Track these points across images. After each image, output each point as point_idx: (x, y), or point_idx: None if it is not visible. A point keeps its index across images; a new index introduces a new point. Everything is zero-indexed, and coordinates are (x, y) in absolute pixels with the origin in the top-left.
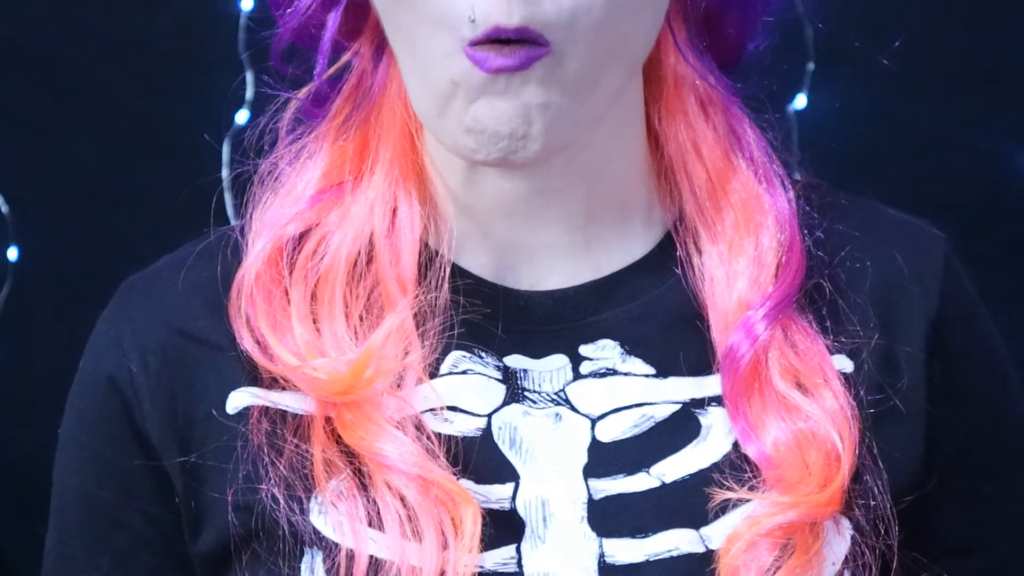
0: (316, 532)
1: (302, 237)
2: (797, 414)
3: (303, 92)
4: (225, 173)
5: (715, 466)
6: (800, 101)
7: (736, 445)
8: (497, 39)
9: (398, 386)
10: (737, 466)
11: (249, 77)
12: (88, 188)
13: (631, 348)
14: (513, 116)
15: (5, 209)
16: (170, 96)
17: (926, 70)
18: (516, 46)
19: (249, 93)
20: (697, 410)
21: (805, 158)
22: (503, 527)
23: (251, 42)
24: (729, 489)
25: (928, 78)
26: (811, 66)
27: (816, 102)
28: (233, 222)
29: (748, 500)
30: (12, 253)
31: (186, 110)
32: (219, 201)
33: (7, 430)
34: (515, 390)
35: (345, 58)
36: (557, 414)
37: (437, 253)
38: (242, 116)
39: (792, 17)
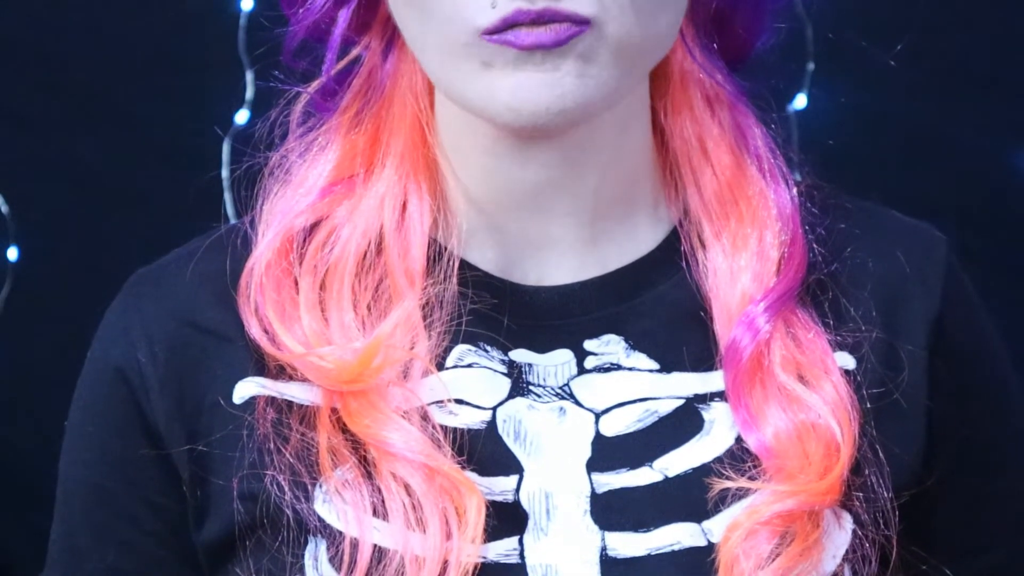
0: (320, 520)
1: (312, 229)
2: (798, 405)
3: (313, 86)
4: (225, 173)
5: (718, 460)
6: (800, 101)
7: (739, 439)
8: (516, 24)
9: (404, 378)
10: (739, 460)
11: (249, 77)
12: (88, 188)
13: (635, 343)
14: (551, 89)
15: (5, 209)
16: (170, 96)
17: (926, 70)
18: (552, 23)
19: (249, 93)
20: (700, 405)
21: (805, 158)
22: (506, 519)
23: (251, 42)
24: (730, 482)
25: (928, 78)
26: (811, 66)
27: (816, 102)
28: (233, 222)
29: (750, 492)
30: (12, 253)
31: (186, 110)
32: (219, 201)
33: (7, 430)
34: (520, 384)
35: (355, 52)
36: (561, 408)
37: (445, 248)
38: (242, 116)
39: (792, 17)
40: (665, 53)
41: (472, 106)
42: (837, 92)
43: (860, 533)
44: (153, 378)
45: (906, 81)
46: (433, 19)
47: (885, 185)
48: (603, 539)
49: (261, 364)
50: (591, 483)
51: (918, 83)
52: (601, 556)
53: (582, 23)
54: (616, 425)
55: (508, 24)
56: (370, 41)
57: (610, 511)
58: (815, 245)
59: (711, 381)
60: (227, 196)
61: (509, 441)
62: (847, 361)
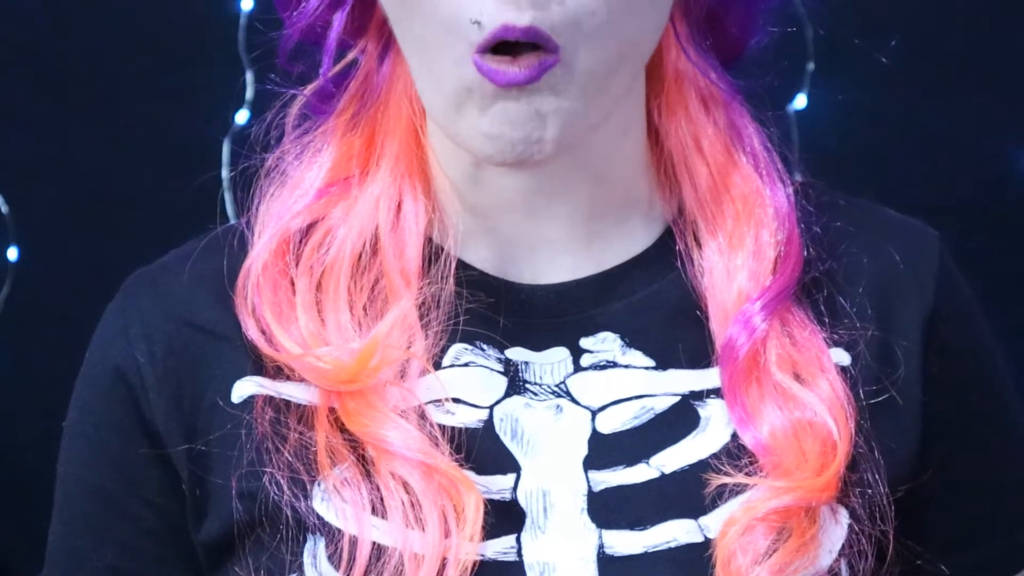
0: (319, 519)
1: (308, 230)
2: (794, 403)
3: (309, 89)
4: (225, 173)
5: (714, 456)
6: (800, 101)
7: (735, 436)
8: (505, 41)
9: (401, 377)
10: (735, 456)
11: (249, 77)
12: (88, 188)
13: (631, 341)
14: (527, 121)
15: (5, 209)
16: (170, 96)
17: (926, 70)
18: (525, 57)
19: (249, 93)
20: (696, 402)
21: (805, 158)
22: (504, 517)
23: (251, 42)
24: (727, 477)
25: (928, 78)
26: (811, 66)
27: (816, 102)
28: (233, 222)
29: (746, 488)
30: (12, 253)
31: (186, 110)
32: (219, 201)
33: (7, 430)
34: (516, 382)
35: (351, 56)
36: (558, 406)
37: (441, 248)
38: (242, 116)
39: (792, 17)
40: (645, 61)
41: (451, 135)
42: (837, 92)
43: (856, 528)
44: (152, 378)
45: (906, 81)
46: (430, 29)
47: (885, 185)
48: (600, 537)
49: (259, 364)
50: (588, 481)
51: (918, 83)
52: (598, 554)
53: (552, 51)
54: (612, 422)
55: (498, 39)
56: (366, 45)
57: (607, 509)
58: (810, 243)
59: (707, 378)
60: (227, 196)
61: (506, 439)
62: (842, 357)
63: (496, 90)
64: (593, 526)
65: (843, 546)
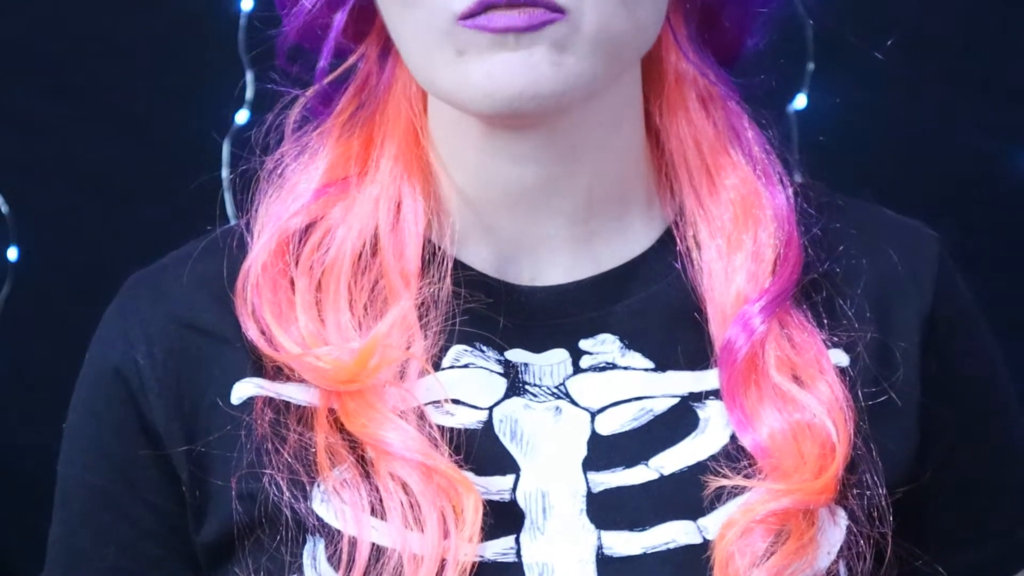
0: (319, 520)
1: (307, 230)
2: (793, 405)
3: (310, 91)
4: (225, 173)
5: (713, 458)
6: (800, 101)
7: (734, 438)
8: (491, 6)
9: (400, 378)
10: (734, 458)
11: (249, 77)
12: (88, 188)
13: (630, 342)
14: (525, 72)
15: (5, 209)
16: (170, 96)
17: (926, 70)
18: (523, 7)
19: (249, 93)
20: (695, 404)
21: (805, 158)
22: (503, 518)
23: (252, 42)
24: (726, 479)
25: (928, 78)
26: (811, 66)
27: (816, 102)
28: (233, 222)
29: (745, 490)
30: (12, 253)
31: (186, 110)
32: (219, 201)
33: (7, 430)
34: (516, 383)
35: (351, 60)
36: (557, 407)
37: (440, 248)
38: (242, 116)
39: (792, 16)
40: (649, 45)
41: (448, 95)
42: (837, 92)
43: (855, 530)
44: (152, 379)
45: (906, 81)
46: (413, 7)
47: (885, 185)
48: (599, 538)
49: (259, 365)
50: (587, 482)
51: (918, 83)
52: (597, 555)
53: (557, 11)
54: (612, 424)
55: (484, 7)
56: (366, 49)
57: (606, 510)
58: (809, 245)
59: (706, 379)
60: (227, 197)
61: (505, 441)
62: (841, 359)
63: (491, 40)
64: (592, 527)
65: (841, 548)
